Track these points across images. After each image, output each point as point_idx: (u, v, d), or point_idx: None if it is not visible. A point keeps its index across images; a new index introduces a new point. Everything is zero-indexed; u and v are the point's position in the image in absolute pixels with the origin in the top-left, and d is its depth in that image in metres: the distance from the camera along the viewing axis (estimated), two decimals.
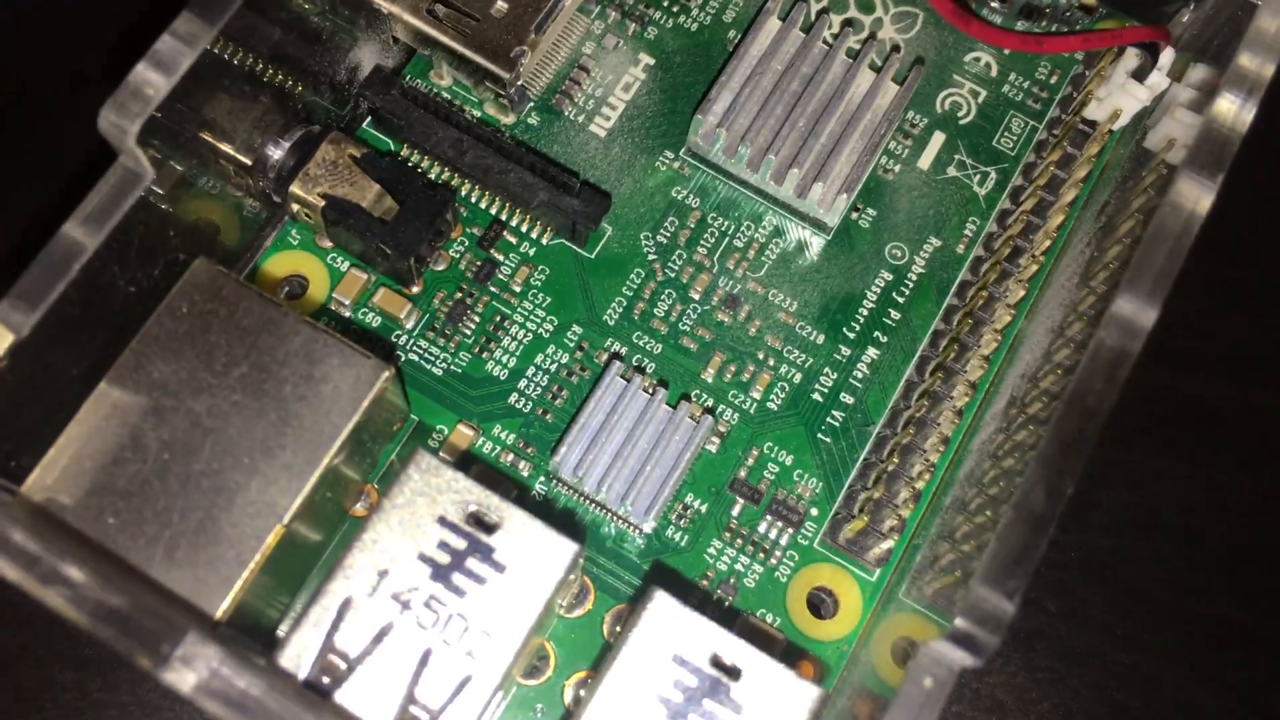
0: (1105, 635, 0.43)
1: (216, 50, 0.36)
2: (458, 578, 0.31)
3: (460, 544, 0.31)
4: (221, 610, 0.30)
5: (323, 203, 0.38)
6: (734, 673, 0.31)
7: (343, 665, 0.30)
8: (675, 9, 0.44)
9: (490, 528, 0.32)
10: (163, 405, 0.33)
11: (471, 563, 0.31)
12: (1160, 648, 0.43)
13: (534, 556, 0.32)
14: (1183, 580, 0.45)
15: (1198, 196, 0.34)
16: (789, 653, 0.37)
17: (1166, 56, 0.40)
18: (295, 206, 0.39)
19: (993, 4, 0.45)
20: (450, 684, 0.31)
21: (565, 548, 0.32)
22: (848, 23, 0.44)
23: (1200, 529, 0.45)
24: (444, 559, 0.31)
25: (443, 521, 0.31)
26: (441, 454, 0.38)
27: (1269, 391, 0.47)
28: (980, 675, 0.43)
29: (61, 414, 0.33)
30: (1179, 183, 0.34)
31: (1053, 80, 0.44)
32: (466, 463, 0.38)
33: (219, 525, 0.31)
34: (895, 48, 0.43)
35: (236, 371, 0.33)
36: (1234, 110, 0.35)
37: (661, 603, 0.32)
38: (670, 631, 0.31)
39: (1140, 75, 0.40)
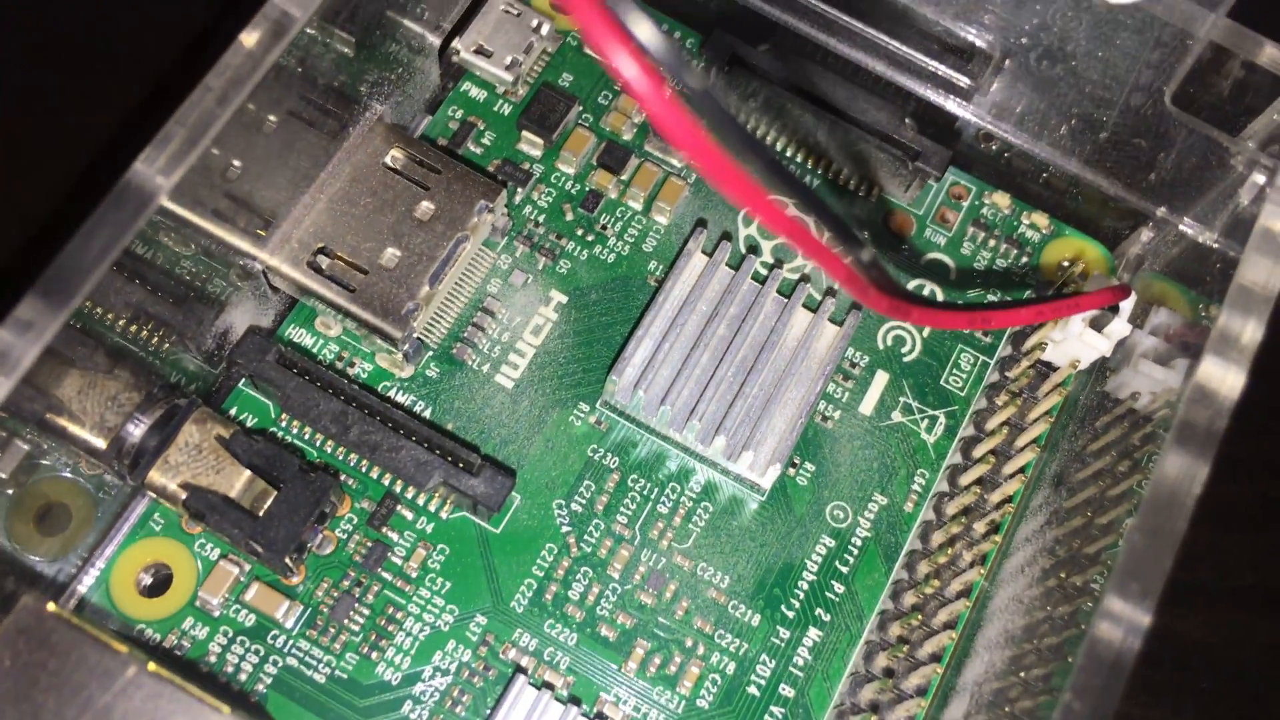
0: None
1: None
2: None
3: None
4: None
5: (184, 494, 0.34)
6: None
7: None
8: (590, 239, 0.40)
9: None
10: None
11: None
12: None
13: None
14: None
15: (1193, 474, 0.30)
16: None
17: (1128, 304, 0.36)
18: (158, 497, 0.34)
19: (936, 224, 0.41)
20: None
21: None
22: (778, 259, 0.40)
23: None
24: None
25: None
26: None
27: (1260, 623, 0.43)
28: None
29: None
30: (1169, 459, 0.30)
31: None
32: None
33: None
34: (830, 290, 0.39)
35: None
36: (1223, 377, 0.31)
37: None
38: None
39: (1099, 324, 0.36)
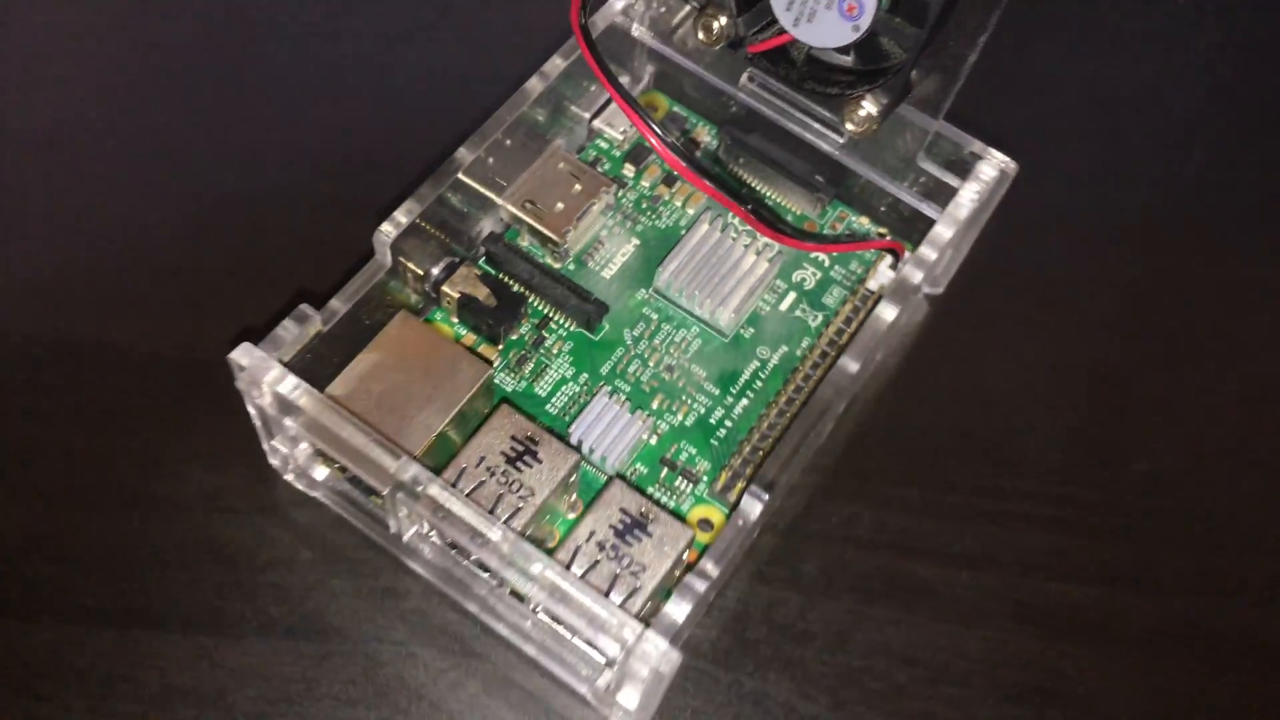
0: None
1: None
2: (520, 464, 0.64)
3: (520, 449, 0.65)
4: (418, 452, 0.64)
5: (458, 297, 0.73)
6: (644, 525, 0.64)
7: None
8: (653, 215, 0.80)
9: (537, 441, 0.65)
10: (387, 371, 0.67)
11: (526, 458, 0.64)
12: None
13: (553, 459, 0.65)
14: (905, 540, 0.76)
15: (887, 318, 0.69)
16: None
17: (907, 256, 0.75)
18: (443, 299, 0.74)
19: (829, 230, 0.81)
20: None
21: (569, 456, 0.65)
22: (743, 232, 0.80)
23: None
24: (513, 454, 0.64)
25: (513, 438, 0.65)
26: None
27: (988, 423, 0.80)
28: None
29: (342, 364, 0.67)
30: (879, 310, 0.69)
31: (859, 270, 0.79)
32: None
33: (412, 425, 0.65)
34: (769, 243, 0.79)
35: (420, 365, 0.67)
36: (892, 312, 0.70)
37: (617, 484, 0.65)
38: (617, 498, 0.64)
39: (894, 268, 0.75)
